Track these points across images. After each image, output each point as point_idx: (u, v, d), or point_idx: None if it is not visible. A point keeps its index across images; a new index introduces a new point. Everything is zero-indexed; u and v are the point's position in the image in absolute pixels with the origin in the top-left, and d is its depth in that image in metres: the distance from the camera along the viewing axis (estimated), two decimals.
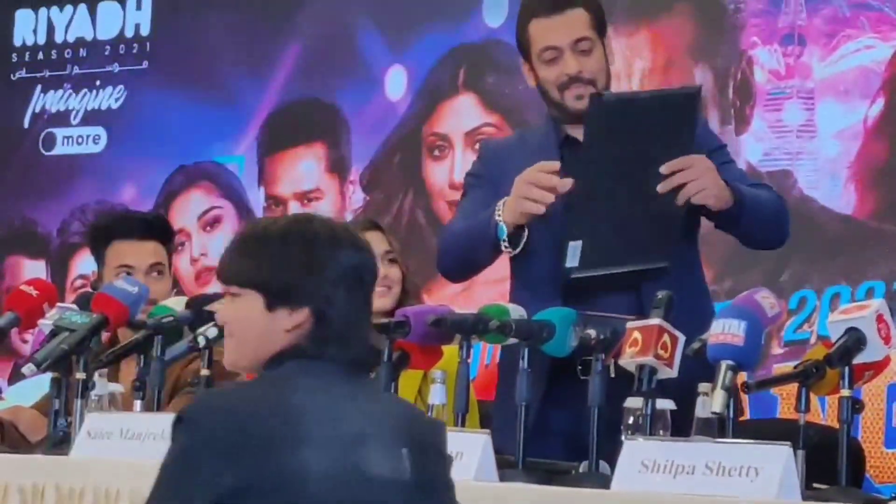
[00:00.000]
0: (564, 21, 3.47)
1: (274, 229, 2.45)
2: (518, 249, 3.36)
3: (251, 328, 2.43)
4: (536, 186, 3.29)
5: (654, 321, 2.87)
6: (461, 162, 6.00)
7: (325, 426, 2.34)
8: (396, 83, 6.18)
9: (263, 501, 2.30)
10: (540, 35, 3.50)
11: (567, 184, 3.27)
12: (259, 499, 2.30)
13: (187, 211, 6.56)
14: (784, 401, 4.82)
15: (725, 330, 2.78)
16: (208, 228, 6.53)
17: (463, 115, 6.05)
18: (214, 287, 6.36)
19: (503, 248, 3.38)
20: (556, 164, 3.31)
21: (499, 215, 3.34)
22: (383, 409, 2.43)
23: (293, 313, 2.41)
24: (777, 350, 5.15)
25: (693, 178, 3.27)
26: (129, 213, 4.67)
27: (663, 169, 3.26)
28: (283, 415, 2.34)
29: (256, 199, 6.47)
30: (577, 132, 3.46)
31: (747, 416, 4.47)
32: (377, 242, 4.05)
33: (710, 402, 2.74)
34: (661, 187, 3.26)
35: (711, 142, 3.51)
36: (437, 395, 3.15)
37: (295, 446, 2.31)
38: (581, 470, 2.96)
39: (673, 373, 2.86)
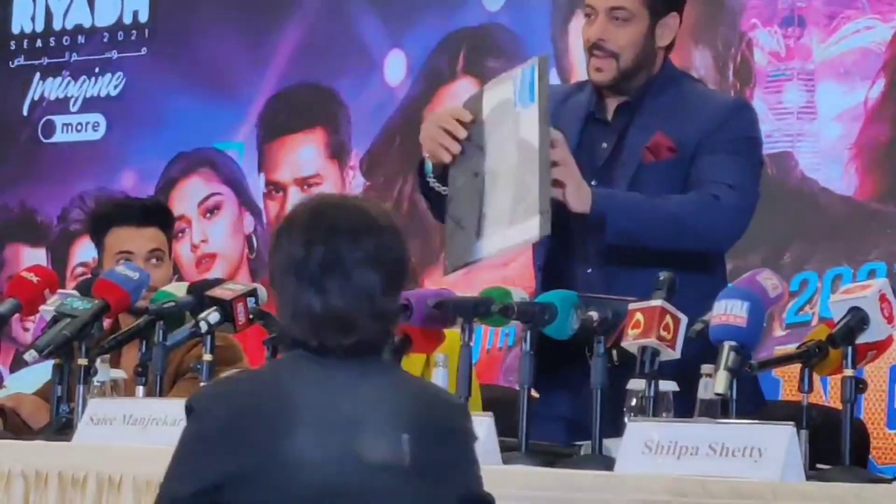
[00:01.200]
0: None
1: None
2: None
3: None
4: (445, 132, 3.28)
5: (657, 302, 2.86)
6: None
7: (318, 411, 2.37)
8: (396, 68, 6.17)
9: (261, 485, 2.34)
10: None
11: (461, 134, 3.24)
12: (257, 483, 2.34)
13: (187, 198, 6.55)
14: (786, 383, 4.81)
15: (728, 311, 2.77)
16: (208, 215, 6.53)
17: (462, 99, 5.98)
18: (215, 273, 6.38)
19: (430, 183, 3.39)
20: (469, 116, 3.29)
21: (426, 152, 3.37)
22: (384, 394, 2.42)
23: (279, 303, 2.45)
24: (779, 332, 5.14)
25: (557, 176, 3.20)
26: (129, 200, 4.66)
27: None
28: (278, 401, 2.37)
29: (256, 186, 6.46)
30: (607, 105, 3.48)
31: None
32: None
33: (713, 383, 2.74)
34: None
35: (721, 132, 3.41)
36: (439, 379, 3.14)
37: (290, 432, 2.34)
38: (583, 452, 2.95)
39: (676, 354, 2.85)
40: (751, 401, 3.10)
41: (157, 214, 4.13)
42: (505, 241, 3.19)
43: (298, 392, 2.39)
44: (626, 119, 3.47)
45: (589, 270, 3.39)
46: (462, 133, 3.25)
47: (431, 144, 3.31)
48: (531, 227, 3.11)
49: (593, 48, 3.43)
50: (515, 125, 3.22)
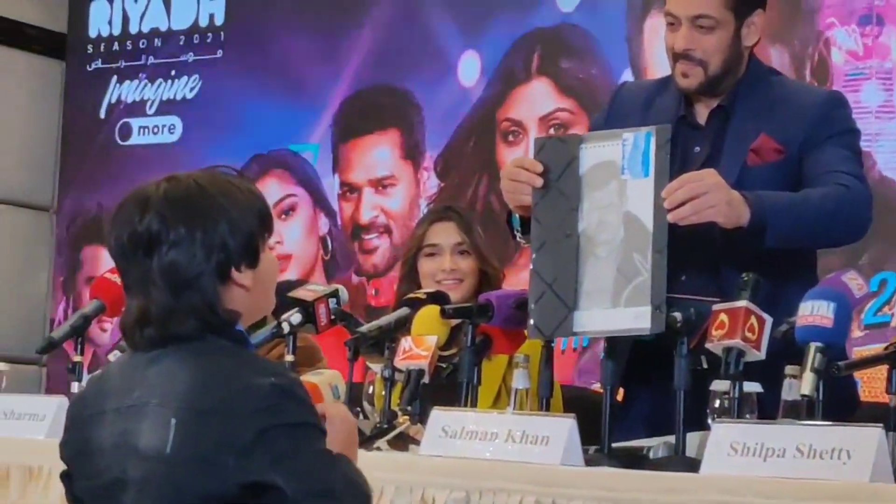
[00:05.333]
0: None
1: None
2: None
3: None
4: (517, 182, 3.17)
5: (741, 303, 2.84)
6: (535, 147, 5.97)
7: (118, 398, 2.36)
8: (470, 69, 6.18)
9: (78, 473, 2.41)
10: None
11: (537, 182, 3.10)
12: (76, 471, 2.41)
13: None
14: (865, 384, 4.77)
15: (814, 312, 2.75)
16: (283, 216, 6.55)
17: (537, 100, 6.03)
18: (289, 274, 6.41)
19: (517, 238, 3.33)
20: (539, 166, 3.13)
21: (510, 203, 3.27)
22: (167, 378, 2.32)
23: None
24: (857, 333, 5.10)
25: (691, 197, 3.02)
26: None
27: (663, 194, 2.99)
28: (96, 391, 2.42)
29: (331, 187, 6.49)
30: (697, 109, 3.40)
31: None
32: (448, 234, 4.02)
33: (799, 384, 2.73)
34: (671, 217, 2.99)
35: (825, 127, 3.35)
36: (520, 380, 3.14)
37: (99, 420, 2.37)
38: (661, 452, 2.94)
39: (760, 355, 2.84)
40: (843, 403, 3.07)
41: None
42: (608, 322, 3.00)
43: (110, 382, 2.40)
44: (721, 123, 3.39)
45: (683, 278, 3.27)
46: (538, 182, 3.11)
47: (512, 196, 3.23)
48: (641, 318, 2.95)
49: (679, 56, 3.35)
50: (621, 194, 3.03)
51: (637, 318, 2.97)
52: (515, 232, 3.35)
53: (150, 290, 2.33)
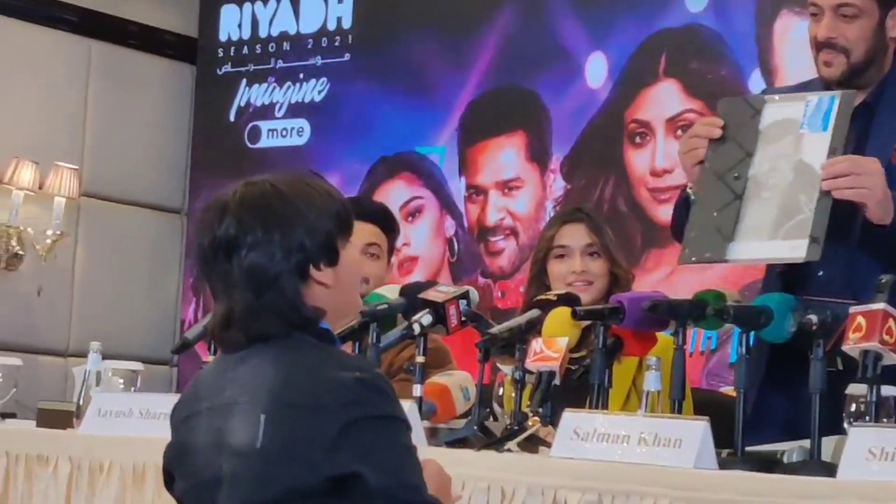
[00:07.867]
0: None
1: None
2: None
3: None
4: (695, 137, 3.25)
5: (879, 306, 2.79)
6: (662, 149, 5.95)
7: (210, 398, 2.40)
8: (597, 70, 6.16)
9: (179, 473, 2.45)
10: None
11: (715, 133, 3.20)
12: (177, 471, 2.46)
13: (389, 201, 6.58)
14: None
15: None
16: (410, 218, 6.59)
17: (664, 101, 6.00)
18: (416, 276, 6.44)
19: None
20: (720, 121, 3.23)
21: (690, 185, 3.32)
22: (256, 375, 2.35)
23: None
24: None
25: (853, 172, 3.10)
26: (353, 198, 4.76)
27: (825, 165, 3.11)
28: (192, 393, 2.47)
29: (457, 189, 6.50)
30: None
31: None
32: (578, 235, 3.99)
33: None
34: (825, 185, 3.09)
35: None
36: (651, 382, 3.12)
37: (195, 420, 2.42)
38: (796, 457, 2.90)
39: None
40: None
41: (379, 214, 4.21)
42: (760, 252, 3.14)
43: (203, 383, 2.45)
44: (865, 120, 3.36)
45: (820, 273, 3.29)
46: (716, 133, 3.22)
47: (688, 154, 3.29)
48: (797, 248, 3.06)
49: (822, 45, 3.35)
50: (796, 146, 3.16)
51: (793, 249, 3.05)
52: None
53: (232, 292, 2.37)
